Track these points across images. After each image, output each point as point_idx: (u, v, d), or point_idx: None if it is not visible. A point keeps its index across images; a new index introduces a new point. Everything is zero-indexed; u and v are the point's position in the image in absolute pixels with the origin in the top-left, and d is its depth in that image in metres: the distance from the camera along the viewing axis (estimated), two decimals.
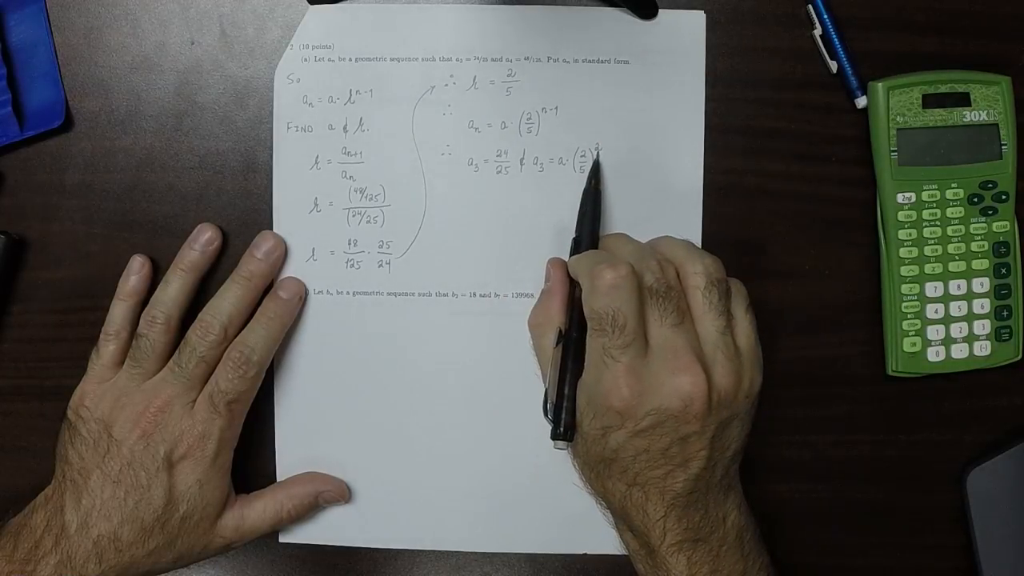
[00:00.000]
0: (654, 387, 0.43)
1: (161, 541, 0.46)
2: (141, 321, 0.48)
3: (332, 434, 0.51)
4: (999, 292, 0.50)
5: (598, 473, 0.45)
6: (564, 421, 0.45)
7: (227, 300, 0.48)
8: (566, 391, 0.45)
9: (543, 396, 0.47)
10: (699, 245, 0.50)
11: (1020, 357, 0.51)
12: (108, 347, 0.48)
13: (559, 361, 0.46)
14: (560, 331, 0.46)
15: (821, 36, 0.49)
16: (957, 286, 0.50)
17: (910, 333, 0.50)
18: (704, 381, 0.42)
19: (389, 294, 0.51)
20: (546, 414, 0.46)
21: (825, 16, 0.49)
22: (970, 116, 0.49)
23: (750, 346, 0.45)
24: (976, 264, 0.50)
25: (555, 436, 0.45)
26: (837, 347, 0.52)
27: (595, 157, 0.50)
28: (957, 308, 0.50)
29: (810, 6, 0.50)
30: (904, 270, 0.50)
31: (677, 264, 0.45)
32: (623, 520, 0.46)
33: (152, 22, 0.51)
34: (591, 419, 0.44)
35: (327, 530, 0.52)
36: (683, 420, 0.42)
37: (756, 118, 0.51)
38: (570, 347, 0.46)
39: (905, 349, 0.50)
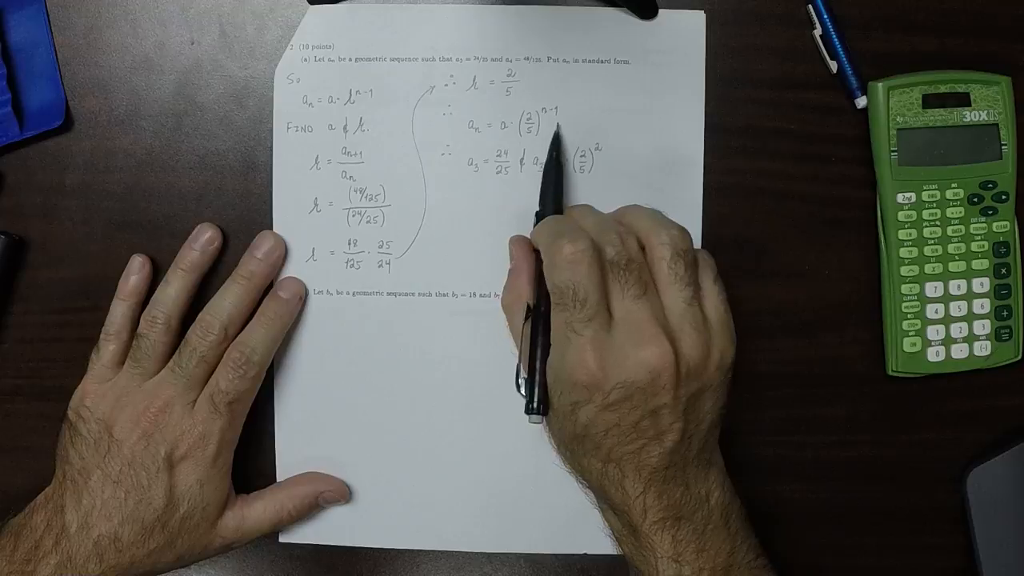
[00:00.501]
0: (619, 360, 0.42)
1: (161, 541, 0.46)
2: (141, 321, 0.48)
3: (332, 434, 0.52)
4: (999, 292, 0.50)
5: (572, 451, 0.45)
6: (536, 395, 0.45)
7: (227, 300, 0.48)
8: (537, 365, 0.45)
9: (515, 371, 0.46)
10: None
11: (1020, 357, 0.51)
12: (108, 347, 0.48)
13: (529, 335, 0.46)
14: (529, 306, 0.46)
15: (821, 36, 0.49)
16: (957, 286, 0.50)
17: (910, 333, 0.50)
18: (670, 352, 0.42)
19: (389, 294, 0.51)
20: (518, 389, 0.46)
21: (825, 16, 0.49)
22: (970, 116, 0.49)
23: (719, 316, 0.44)
24: (976, 264, 0.50)
25: (528, 411, 0.45)
26: (837, 347, 0.52)
27: (555, 129, 0.50)
28: (957, 308, 0.50)
29: (810, 6, 0.50)
30: (904, 270, 0.50)
31: (642, 235, 0.44)
32: (603, 499, 0.45)
33: (152, 22, 0.51)
34: (560, 395, 0.44)
35: (327, 530, 0.52)
36: (651, 393, 0.42)
37: (756, 118, 0.51)
38: (539, 321, 0.45)
39: (905, 349, 0.50)
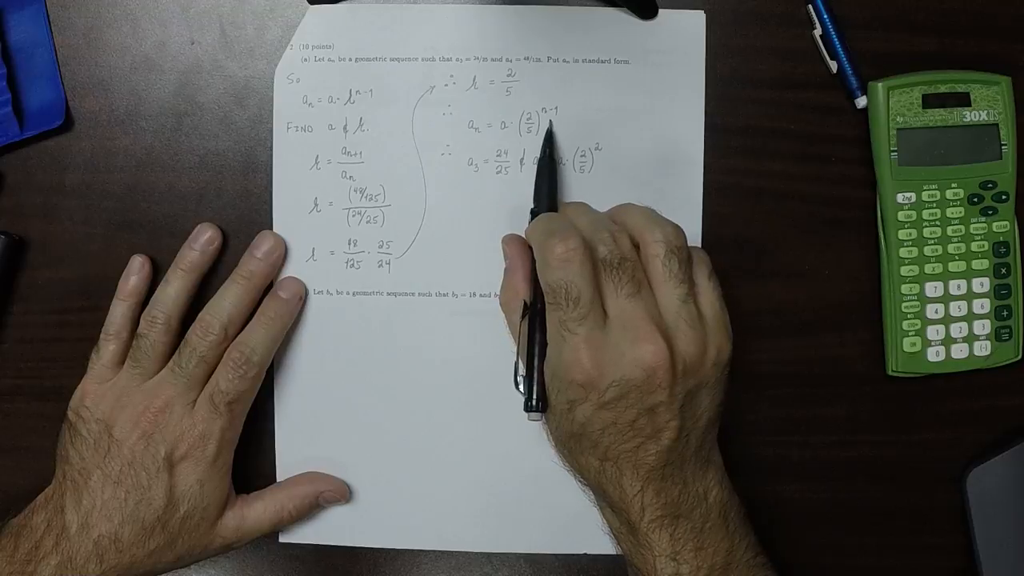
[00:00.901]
0: (615, 358, 0.42)
1: (162, 541, 0.46)
2: (141, 321, 0.48)
3: (332, 434, 0.52)
4: (999, 292, 0.50)
5: (570, 449, 0.45)
6: (535, 393, 0.45)
7: (227, 300, 0.48)
8: (535, 362, 0.45)
9: (513, 367, 0.47)
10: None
11: (1020, 357, 0.51)
12: (108, 347, 0.48)
13: (527, 333, 0.46)
14: (525, 304, 0.46)
15: (821, 36, 0.49)
16: (957, 286, 0.50)
17: (910, 333, 0.50)
18: (665, 350, 0.42)
19: (389, 294, 0.51)
20: (516, 386, 0.46)
21: (825, 16, 0.49)
22: (970, 116, 0.49)
23: (715, 313, 0.44)
24: (976, 264, 0.50)
25: (527, 408, 0.45)
26: (837, 347, 0.52)
27: (548, 127, 0.50)
28: (957, 308, 0.50)
29: (810, 6, 0.50)
30: (904, 270, 0.50)
31: (636, 233, 0.45)
32: (601, 497, 0.45)
33: (152, 22, 0.51)
34: (557, 393, 0.44)
35: (327, 530, 0.52)
36: (647, 390, 0.42)
37: (756, 118, 0.51)
38: (536, 319, 0.46)
39: (905, 349, 0.50)
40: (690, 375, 0.43)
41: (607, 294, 0.43)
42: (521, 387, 0.46)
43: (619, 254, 0.43)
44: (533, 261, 0.46)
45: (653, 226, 0.44)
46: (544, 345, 0.45)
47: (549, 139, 0.49)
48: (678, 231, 0.45)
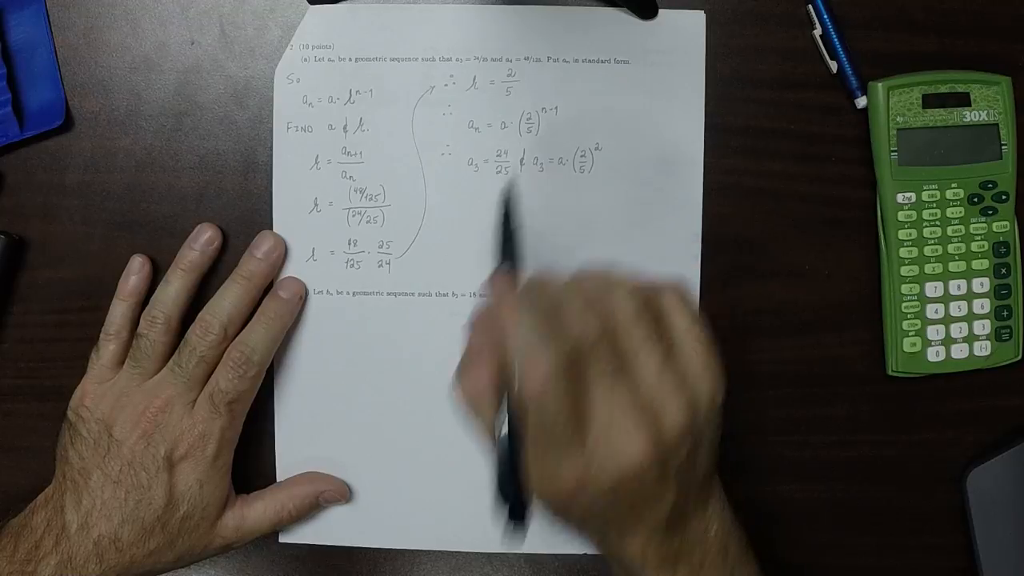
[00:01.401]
0: (600, 469, 0.38)
1: (161, 541, 0.46)
2: (141, 321, 0.48)
3: (332, 434, 0.52)
4: (999, 292, 0.50)
5: (566, 527, 0.41)
6: (521, 509, 0.40)
7: (227, 300, 0.48)
8: (519, 471, 0.39)
9: (495, 479, 0.40)
10: (699, 245, 0.50)
11: (1020, 357, 0.51)
12: (108, 347, 0.48)
13: (506, 443, 0.39)
14: (501, 400, 0.39)
15: (821, 36, 0.49)
16: (957, 286, 0.50)
17: (910, 333, 0.50)
18: (650, 437, 0.38)
19: (389, 294, 0.51)
20: (501, 497, 0.40)
21: (825, 16, 0.49)
22: (970, 116, 0.49)
23: (699, 363, 0.39)
24: (976, 264, 0.50)
25: (509, 526, 0.40)
26: (837, 347, 0.52)
27: (505, 187, 0.44)
28: (957, 308, 0.50)
29: (810, 6, 0.50)
30: (904, 270, 0.50)
31: (597, 306, 0.39)
32: (601, 550, 0.42)
33: (152, 22, 0.51)
34: (543, 505, 0.40)
35: (327, 530, 0.52)
36: (642, 481, 0.38)
37: (756, 118, 0.51)
38: (514, 417, 0.39)
39: (905, 349, 0.50)
40: (683, 443, 0.39)
41: (583, 391, 0.38)
42: (507, 500, 0.40)
43: (589, 341, 0.38)
44: (505, 354, 0.39)
45: (608, 296, 0.40)
46: (520, 446, 0.39)
47: (508, 204, 0.43)
48: (635, 289, 0.40)
